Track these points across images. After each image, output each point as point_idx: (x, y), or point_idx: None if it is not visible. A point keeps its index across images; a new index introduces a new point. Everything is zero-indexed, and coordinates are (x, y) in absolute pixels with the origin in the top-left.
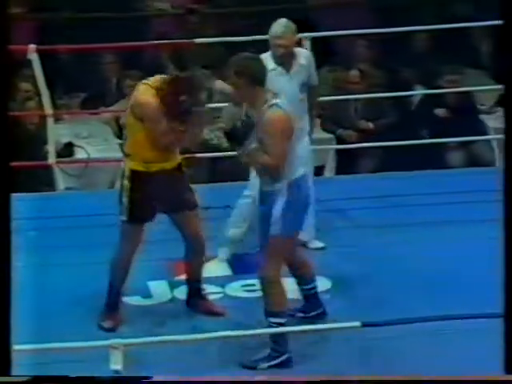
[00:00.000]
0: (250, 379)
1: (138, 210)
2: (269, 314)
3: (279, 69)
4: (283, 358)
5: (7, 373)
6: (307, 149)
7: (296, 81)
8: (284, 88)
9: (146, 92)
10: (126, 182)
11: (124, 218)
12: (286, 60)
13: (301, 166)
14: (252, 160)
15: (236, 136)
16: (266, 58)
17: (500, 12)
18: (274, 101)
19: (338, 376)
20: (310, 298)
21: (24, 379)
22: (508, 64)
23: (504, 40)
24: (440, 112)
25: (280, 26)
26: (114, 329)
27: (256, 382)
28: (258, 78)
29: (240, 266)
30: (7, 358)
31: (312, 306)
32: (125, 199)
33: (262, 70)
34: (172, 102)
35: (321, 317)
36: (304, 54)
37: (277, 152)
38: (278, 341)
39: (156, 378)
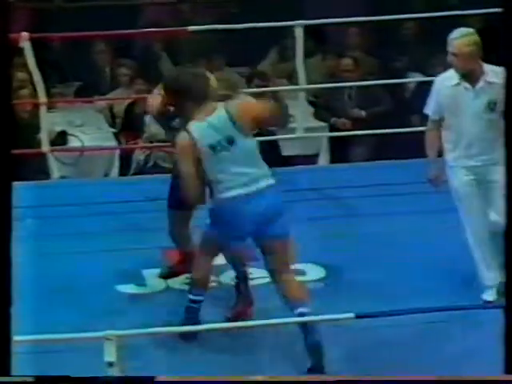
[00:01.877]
0: (251, 379)
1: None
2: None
3: (464, 84)
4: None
5: (7, 373)
6: None
7: (482, 98)
8: (466, 105)
9: None
10: None
11: None
12: (466, 73)
13: (239, 186)
14: None
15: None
16: (451, 73)
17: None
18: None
19: (338, 376)
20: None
21: (24, 379)
22: (508, 55)
23: (504, 30)
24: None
25: (456, 33)
26: None
27: (256, 381)
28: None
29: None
30: (7, 358)
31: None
32: None
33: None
34: None
35: None
36: (498, 72)
37: (182, 175)
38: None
39: (158, 379)
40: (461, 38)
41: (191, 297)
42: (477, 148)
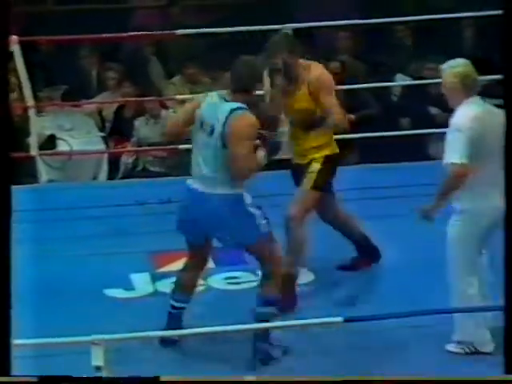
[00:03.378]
0: (250, 379)
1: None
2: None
3: None
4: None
5: (8, 373)
6: None
7: None
8: None
9: None
10: None
11: None
12: (452, 104)
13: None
14: None
15: None
16: None
17: (501, 3)
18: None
19: (337, 376)
20: None
21: (26, 379)
22: (508, 56)
23: (505, 32)
24: (433, 110)
25: (446, 63)
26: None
27: (257, 381)
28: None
29: (223, 258)
30: (8, 358)
31: None
32: None
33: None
34: None
35: None
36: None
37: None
38: None
39: (162, 379)
40: (447, 69)
41: (173, 303)
42: None
